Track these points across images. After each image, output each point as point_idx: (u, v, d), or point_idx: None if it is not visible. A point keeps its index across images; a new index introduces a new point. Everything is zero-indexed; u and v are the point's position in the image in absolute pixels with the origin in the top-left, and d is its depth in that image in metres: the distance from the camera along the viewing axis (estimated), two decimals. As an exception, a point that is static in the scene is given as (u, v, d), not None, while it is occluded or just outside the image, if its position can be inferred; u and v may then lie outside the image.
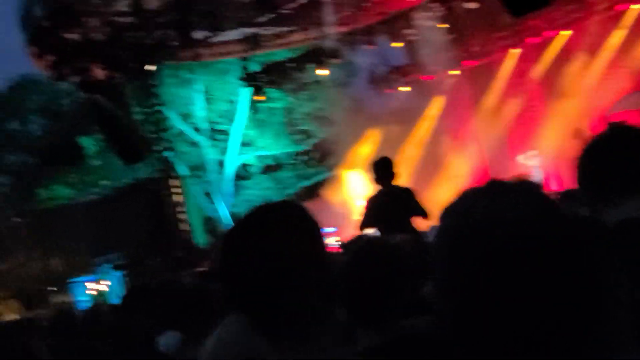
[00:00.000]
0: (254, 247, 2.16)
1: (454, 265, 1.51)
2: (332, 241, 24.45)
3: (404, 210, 10.39)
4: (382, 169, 10.72)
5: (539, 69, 26.94)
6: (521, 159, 26.34)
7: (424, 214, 10.65)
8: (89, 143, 36.84)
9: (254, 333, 2.18)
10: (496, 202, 1.53)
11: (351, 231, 25.23)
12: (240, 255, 2.18)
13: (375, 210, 10.61)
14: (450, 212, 1.62)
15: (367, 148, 27.41)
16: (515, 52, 27.38)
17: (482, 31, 27.08)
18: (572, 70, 25.85)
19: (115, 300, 26.86)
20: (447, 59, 27.71)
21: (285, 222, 2.26)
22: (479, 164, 27.54)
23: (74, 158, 38.00)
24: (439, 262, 1.56)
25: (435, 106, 28.99)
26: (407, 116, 29.10)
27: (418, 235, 10.02)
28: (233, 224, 2.33)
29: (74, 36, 23.40)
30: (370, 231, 11.31)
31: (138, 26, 23.78)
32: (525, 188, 1.59)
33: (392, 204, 10.42)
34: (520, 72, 27.51)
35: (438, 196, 23.58)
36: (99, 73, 24.56)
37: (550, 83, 26.27)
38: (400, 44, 27.05)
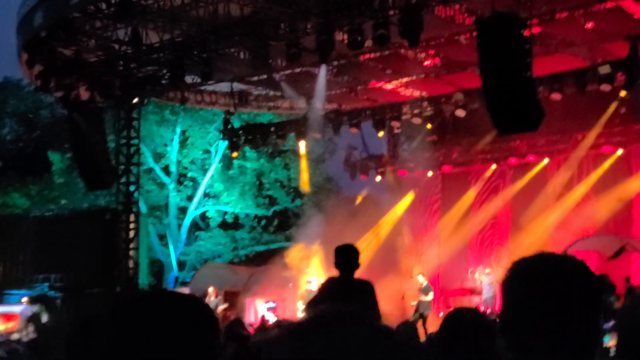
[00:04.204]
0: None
1: None
2: (270, 316, 24.43)
3: (358, 303, 10.07)
4: (346, 256, 10.38)
5: (511, 190, 27.11)
6: (475, 273, 26.36)
7: (377, 314, 10.31)
8: (57, 159, 36.62)
9: None
10: None
11: (291, 310, 25.20)
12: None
13: (328, 297, 10.28)
14: None
15: (326, 228, 27.23)
16: (492, 168, 27.56)
17: (466, 140, 27.28)
18: (543, 199, 26.04)
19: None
20: (426, 159, 27.84)
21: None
22: (433, 269, 27.58)
23: (40, 170, 37.70)
24: None
25: (404, 202, 29.02)
26: (375, 205, 29.12)
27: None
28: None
29: (67, 52, 23.35)
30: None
31: (132, 57, 23.79)
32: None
33: (348, 295, 10.10)
34: (493, 189, 27.68)
35: (384, 293, 23.52)
36: (84, 93, 24.49)
37: (520, 207, 26.41)
38: (382, 133, 27.15)
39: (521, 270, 2.54)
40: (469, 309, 4.94)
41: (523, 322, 2.45)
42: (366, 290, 10.21)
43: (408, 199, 28.99)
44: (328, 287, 10.44)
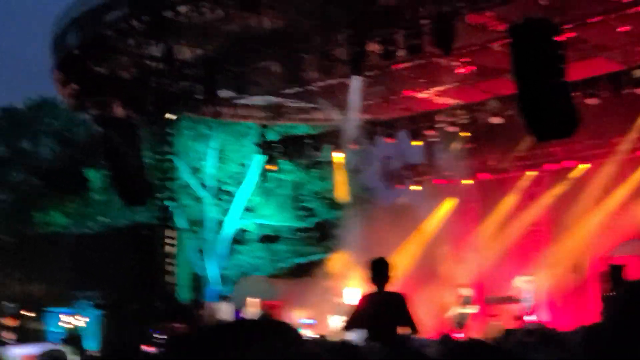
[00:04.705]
0: None
1: None
2: (308, 334, 24.34)
3: (394, 317, 10.00)
4: (378, 270, 10.32)
5: (550, 196, 26.85)
6: (516, 281, 26.12)
7: (413, 327, 10.17)
8: (94, 177, 36.80)
9: None
10: None
11: (330, 325, 25.08)
12: None
13: (366, 312, 10.26)
14: None
15: (365, 239, 27.12)
16: (530, 175, 27.32)
17: (502, 147, 27.08)
18: (583, 204, 25.76)
19: (90, 337, 26.58)
20: (463, 167, 27.70)
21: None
22: (475, 277, 27.33)
23: (78, 188, 37.91)
24: None
25: (442, 211, 28.85)
26: (413, 215, 28.99)
27: (403, 344, 9.67)
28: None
29: (101, 70, 23.48)
30: (353, 335, 10.97)
31: (166, 73, 23.87)
32: None
33: (383, 308, 10.05)
34: (531, 195, 27.43)
35: (424, 303, 23.47)
36: (119, 111, 24.61)
37: (559, 212, 26.17)
38: (419, 143, 27.05)
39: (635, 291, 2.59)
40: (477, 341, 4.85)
41: (626, 340, 2.47)
42: (398, 303, 10.17)
43: (447, 206, 28.80)
44: (364, 303, 10.44)
